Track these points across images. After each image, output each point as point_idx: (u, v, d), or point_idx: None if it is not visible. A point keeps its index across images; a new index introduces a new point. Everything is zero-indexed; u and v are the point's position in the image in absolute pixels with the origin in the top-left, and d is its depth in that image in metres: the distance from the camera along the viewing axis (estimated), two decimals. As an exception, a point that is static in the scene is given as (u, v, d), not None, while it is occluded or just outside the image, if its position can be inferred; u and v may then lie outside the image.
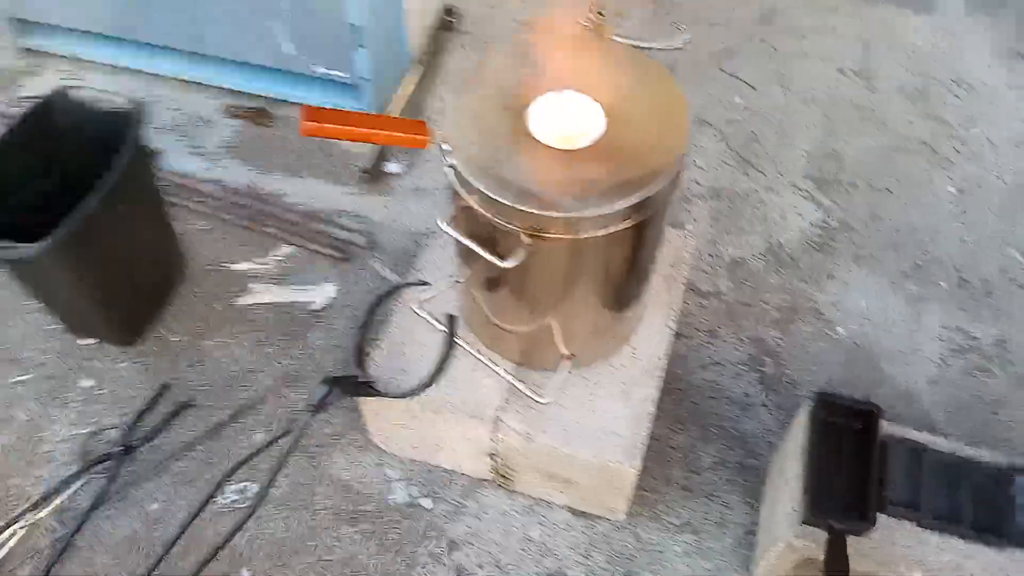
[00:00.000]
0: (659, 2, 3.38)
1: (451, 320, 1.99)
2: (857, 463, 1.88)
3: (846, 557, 1.74)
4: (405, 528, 2.11)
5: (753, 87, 3.08)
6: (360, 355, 2.04)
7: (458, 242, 1.74)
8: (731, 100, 3.03)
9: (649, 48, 2.23)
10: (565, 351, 2.00)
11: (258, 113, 3.00)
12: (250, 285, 2.58)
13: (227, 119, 3.01)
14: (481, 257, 1.71)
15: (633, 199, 1.60)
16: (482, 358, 2.04)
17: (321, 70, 2.81)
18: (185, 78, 3.06)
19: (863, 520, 1.78)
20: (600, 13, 2.14)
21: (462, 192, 1.68)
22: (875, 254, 2.64)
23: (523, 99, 1.74)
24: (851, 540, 1.77)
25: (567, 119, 1.73)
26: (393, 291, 2.11)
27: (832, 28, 3.30)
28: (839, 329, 2.48)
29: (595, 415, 1.99)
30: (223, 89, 3.04)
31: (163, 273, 2.52)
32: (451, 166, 1.66)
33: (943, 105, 3.04)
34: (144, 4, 2.83)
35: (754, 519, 2.15)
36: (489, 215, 1.66)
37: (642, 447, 1.95)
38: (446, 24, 3.23)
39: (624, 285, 1.89)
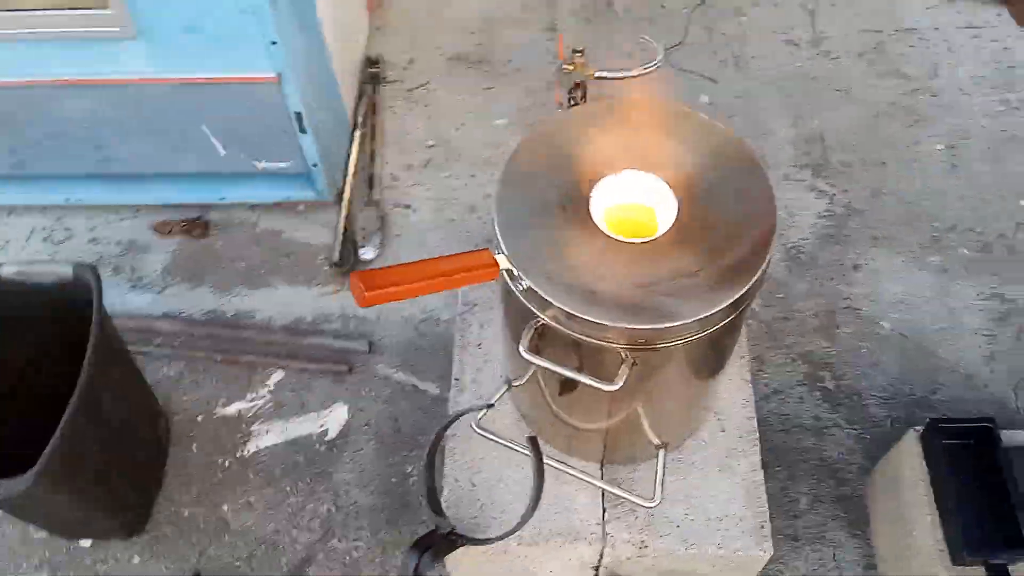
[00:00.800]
0: (590, 13, 3.17)
1: (534, 443, 1.76)
2: (989, 486, 1.77)
3: (1019, 596, 1.64)
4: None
5: (714, 80, 2.92)
6: (435, 502, 1.79)
7: (546, 370, 1.51)
8: (696, 100, 2.87)
9: (634, 76, 2.04)
10: (656, 440, 1.80)
11: (193, 224, 2.64)
12: (250, 428, 2.27)
13: (160, 239, 2.64)
14: (566, 377, 1.50)
15: (744, 286, 1.40)
16: (571, 471, 1.82)
17: (263, 165, 2.49)
18: (100, 204, 2.66)
19: (1018, 549, 1.67)
20: (577, 51, 1.94)
21: (542, 314, 1.45)
22: (890, 233, 2.54)
23: (579, 188, 1.50)
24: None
25: (636, 204, 1.52)
26: (455, 420, 1.85)
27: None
28: (883, 323, 2.37)
29: (705, 502, 1.80)
30: (148, 207, 2.67)
31: (151, 441, 2.18)
32: (527, 289, 1.42)
33: (901, 59, 2.97)
34: (36, 139, 2.42)
35: (866, 552, 2.04)
36: (582, 335, 1.43)
37: (767, 526, 1.77)
38: (372, 76, 2.93)
39: (720, 363, 1.70)
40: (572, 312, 1.38)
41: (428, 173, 2.74)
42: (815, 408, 2.24)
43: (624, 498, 1.79)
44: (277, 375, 2.36)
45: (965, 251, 2.50)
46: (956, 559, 1.72)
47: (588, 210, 1.47)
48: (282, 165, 2.48)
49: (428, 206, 2.66)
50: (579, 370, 1.50)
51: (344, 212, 2.61)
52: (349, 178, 2.67)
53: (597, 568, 1.88)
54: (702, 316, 1.38)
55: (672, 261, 1.42)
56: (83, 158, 2.49)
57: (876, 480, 2.06)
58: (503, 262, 1.42)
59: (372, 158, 2.76)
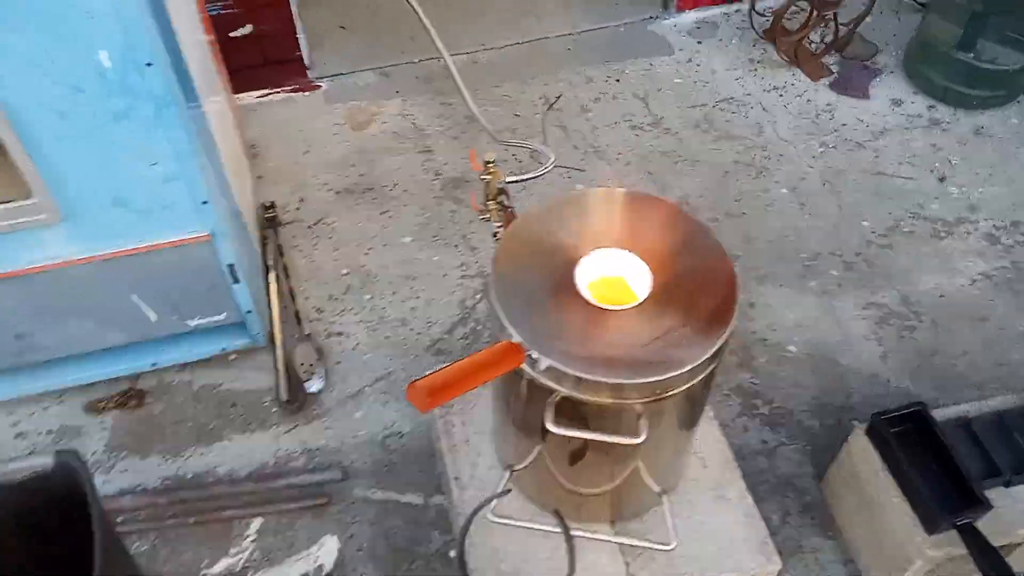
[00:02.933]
0: (456, 131, 3.43)
1: (559, 516, 1.88)
2: (936, 458, 2.07)
3: (988, 544, 1.92)
4: None
5: (581, 169, 3.24)
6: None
7: (568, 438, 1.66)
8: (574, 187, 3.17)
9: (531, 178, 2.32)
10: (658, 488, 1.97)
11: (128, 396, 2.58)
12: (243, 584, 2.23)
13: (94, 418, 2.55)
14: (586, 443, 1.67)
15: (726, 330, 1.64)
16: (590, 535, 1.95)
17: (196, 322, 2.50)
18: (18, 396, 2.55)
19: (979, 505, 1.96)
20: (489, 162, 2.16)
21: (562, 388, 1.61)
22: (769, 271, 2.91)
23: (562, 270, 1.69)
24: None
25: (610, 277, 1.73)
26: (472, 518, 1.93)
27: (606, 94, 3.57)
28: (790, 347, 2.70)
29: (712, 533, 1.98)
30: (73, 388, 2.58)
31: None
32: (547, 368, 1.58)
33: (728, 124, 3.43)
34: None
35: (841, 548, 2.28)
36: (603, 399, 1.61)
37: (769, 541, 1.98)
38: (270, 220, 3.01)
39: (703, 405, 1.92)
40: (596, 379, 1.56)
41: (351, 299, 2.84)
42: (759, 433, 2.51)
43: (644, 547, 1.94)
44: (256, 523, 2.34)
45: (834, 272, 2.90)
46: (931, 528, 1.99)
47: (576, 288, 1.67)
48: (218, 318, 2.50)
49: (359, 330, 2.76)
50: (602, 431, 1.67)
51: (280, 352, 2.65)
52: (276, 319, 2.73)
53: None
54: (701, 360, 1.60)
55: (661, 320, 1.64)
56: (1, 352, 2.40)
57: (832, 482, 2.33)
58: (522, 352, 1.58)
59: (292, 296, 2.83)
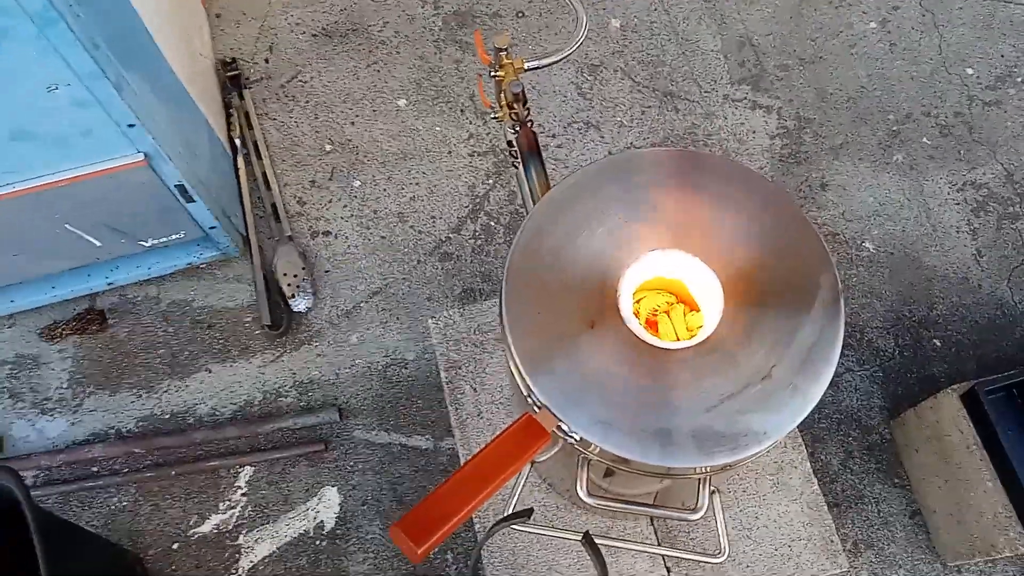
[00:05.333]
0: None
1: (590, 541, 1.58)
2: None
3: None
4: None
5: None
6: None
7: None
8: (607, 27, 2.54)
9: (565, 56, 1.73)
10: (708, 502, 1.65)
11: (87, 319, 2.23)
12: (236, 543, 2.01)
13: (53, 346, 2.23)
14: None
15: (827, 373, 1.21)
16: (626, 545, 1.66)
17: (151, 243, 2.08)
18: (-39, 323, 2.21)
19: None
20: (501, 49, 1.62)
21: (602, 460, 1.23)
22: (848, 138, 2.37)
23: (597, 288, 1.24)
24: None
25: (664, 279, 1.29)
26: (486, 539, 1.64)
27: None
28: (866, 244, 2.24)
29: (770, 532, 1.69)
30: (23, 313, 2.23)
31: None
32: (582, 439, 1.19)
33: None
34: None
35: (908, 500, 2.00)
36: (655, 474, 1.24)
37: (836, 538, 1.69)
38: (233, 81, 2.46)
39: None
40: (645, 463, 1.17)
41: (337, 186, 2.37)
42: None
43: (687, 559, 1.66)
44: (246, 473, 2.08)
45: (926, 140, 2.36)
46: (1028, 525, 1.68)
47: (620, 316, 1.22)
48: (174, 237, 2.08)
49: (350, 227, 2.32)
50: (652, 506, 1.32)
51: (257, 262, 2.25)
52: (250, 219, 2.29)
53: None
54: (790, 430, 1.19)
55: (735, 364, 1.20)
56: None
57: (907, 428, 2.00)
58: (548, 422, 1.18)
59: (267, 183, 2.36)
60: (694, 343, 1.20)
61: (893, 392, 2.09)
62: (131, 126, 1.68)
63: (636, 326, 1.21)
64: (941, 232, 2.25)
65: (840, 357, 2.11)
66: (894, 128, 2.38)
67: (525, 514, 1.62)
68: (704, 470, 1.20)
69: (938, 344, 2.13)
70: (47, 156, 1.71)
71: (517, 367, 1.18)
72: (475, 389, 1.82)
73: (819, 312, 1.22)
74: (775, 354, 1.19)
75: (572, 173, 1.33)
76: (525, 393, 1.19)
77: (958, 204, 2.28)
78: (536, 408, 1.17)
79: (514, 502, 1.63)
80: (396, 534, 1.03)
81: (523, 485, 1.52)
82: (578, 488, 1.26)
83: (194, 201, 1.96)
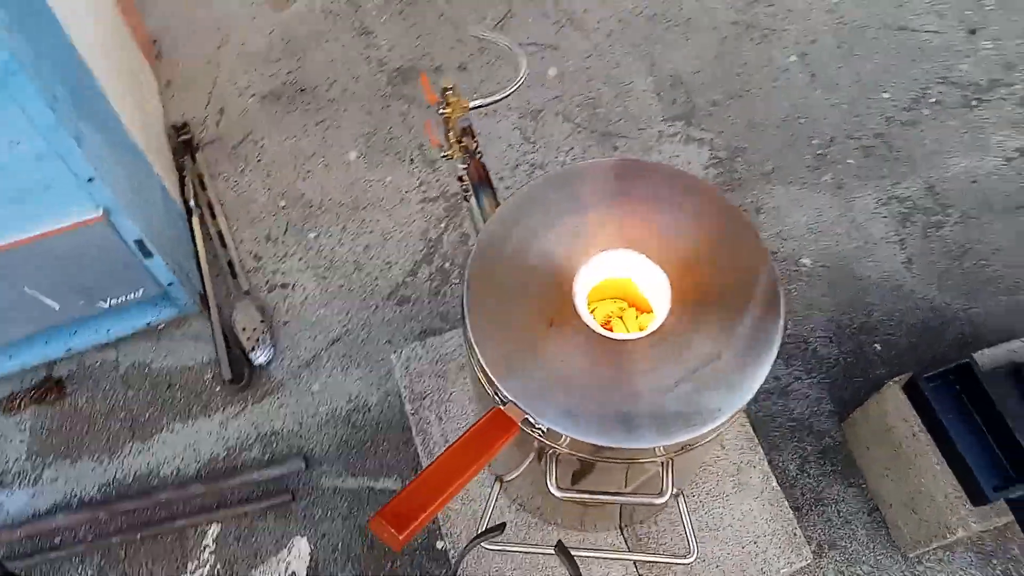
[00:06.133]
0: (402, 3, 2.85)
1: (563, 550, 1.60)
2: (983, 416, 1.79)
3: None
4: None
5: (555, 47, 2.72)
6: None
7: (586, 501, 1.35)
8: (546, 75, 2.67)
9: (508, 94, 1.83)
10: (673, 490, 1.69)
11: (44, 388, 2.22)
12: (209, 603, 1.98)
13: (11, 418, 2.20)
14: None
15: (771, 353, 1.28)
16: (596, 554, 1.69)
17: (110, 303, 2.09)
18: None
19: (1033, 479, 1.71)
20: (448, 89, 1.70)
21: (570, 452, 1.27)
22: (778, 164, 2.50)
23: (553, 286, 1.30)
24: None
25: (615, 279, 1.35)
26: (460, 560, 1.65)
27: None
28: (803, 260, 2.35)
29: (735, 531, 1.73)
30: (-24, 384, 2.21)
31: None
32: (548, 431, 1.23)
33: (721, -27, 2.88)
34: None
35: (865, 496, 2.06)
36: (617, 459, 1.28)
37: (798, 531, 1.74)
38: (185, 145, 2.52)
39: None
40: (609, 446, 1.22)
41: (292, 239, 2.41)
42: (771, 369, 2.21)
43: (658, 562, 1.69)
44: (213, 531, 2.06)
45: (851, 161, 2.50)
46: (978, 501, 1.75)
47: (576, 312, 1.28)
48: (135, 296, 2.10)
49: (307, 278, 2.36)
50: (619, 493, 1.37)
51: (216, 317, 2.27)
52: (207, 275, 2.32)
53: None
54: (743, 405, 1.26)
55: (688, 350, 1.27)
56: None
57: (857, 428, 2.07)
58: (516, 413, 1.22)
59: (222, 241, 2.40)
60: (646, 333, 1.27)
61: (841, 396, 2.16)
62: (90, 180, 1.72)
63: (592, 321, 1.27)
64: (872, 244, 2.37)
65: (787, 367, 2.21)
66: (820, 152, 2.52)
67: (498, 529, 1.64)
68: (665, 450, 1.25)
69: (878, 348, 2.22)
70: (6, 214, 1.73)
71: (483, 369, 1.23)
72: (440, 418, 1.85)
73: (760, 297, 1.29)
74: (722, 338, 1.26)
75: (520, 188, 1.41)
76: (492, 393, 1.23)
77: (885, 217, 2.41)
78: (502, 403, 1.22)
79: (486, 522, 1.65)
80: (378, 524, 1.06)
81: (493, 506, 1.55)
82: (548, 483, 1.30)
83: (152, 256, 1.99)
